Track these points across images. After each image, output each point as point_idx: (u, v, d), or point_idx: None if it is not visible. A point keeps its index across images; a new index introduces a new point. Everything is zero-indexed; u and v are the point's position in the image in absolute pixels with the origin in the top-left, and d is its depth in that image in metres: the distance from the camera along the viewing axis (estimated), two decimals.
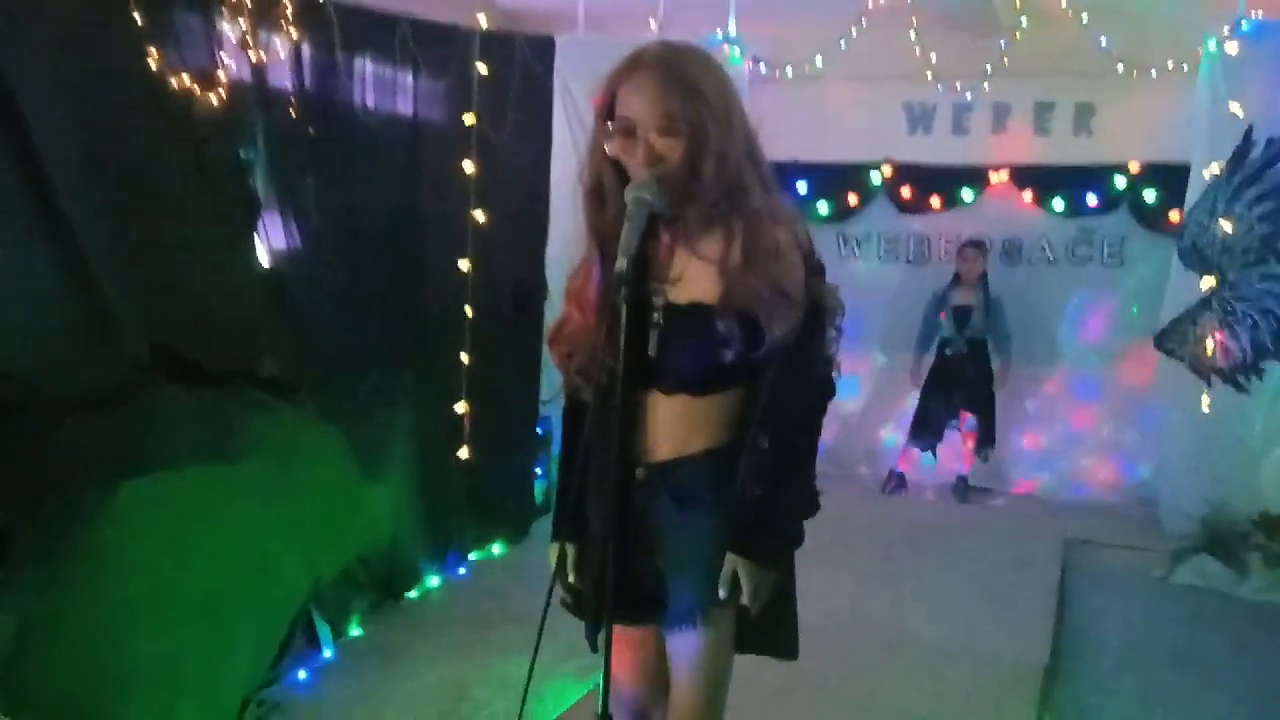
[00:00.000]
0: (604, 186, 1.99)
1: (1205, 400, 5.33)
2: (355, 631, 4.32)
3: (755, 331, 1.91)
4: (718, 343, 1.92)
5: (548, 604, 1.98)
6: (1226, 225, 5.21)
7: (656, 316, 1.98)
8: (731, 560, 1.99)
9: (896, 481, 6.81)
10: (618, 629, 1.96)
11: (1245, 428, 5.25)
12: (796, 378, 1.98)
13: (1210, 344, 5.30)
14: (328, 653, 4.07)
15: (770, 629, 2.12)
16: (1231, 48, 5.22)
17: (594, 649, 2.02)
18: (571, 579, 2.17)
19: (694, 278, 1.97)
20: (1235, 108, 5.19)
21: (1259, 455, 5.22)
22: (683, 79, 1.91)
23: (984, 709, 3.70)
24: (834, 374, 2.10)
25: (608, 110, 1.96)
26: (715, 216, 1.95)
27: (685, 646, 2.06)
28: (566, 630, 2.16)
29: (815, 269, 2.02)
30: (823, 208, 7.03)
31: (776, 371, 1.96)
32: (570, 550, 2.16)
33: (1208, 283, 5.30)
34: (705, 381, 1.99)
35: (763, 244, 1.93)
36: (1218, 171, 5.30)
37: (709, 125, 1.90)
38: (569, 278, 2.14)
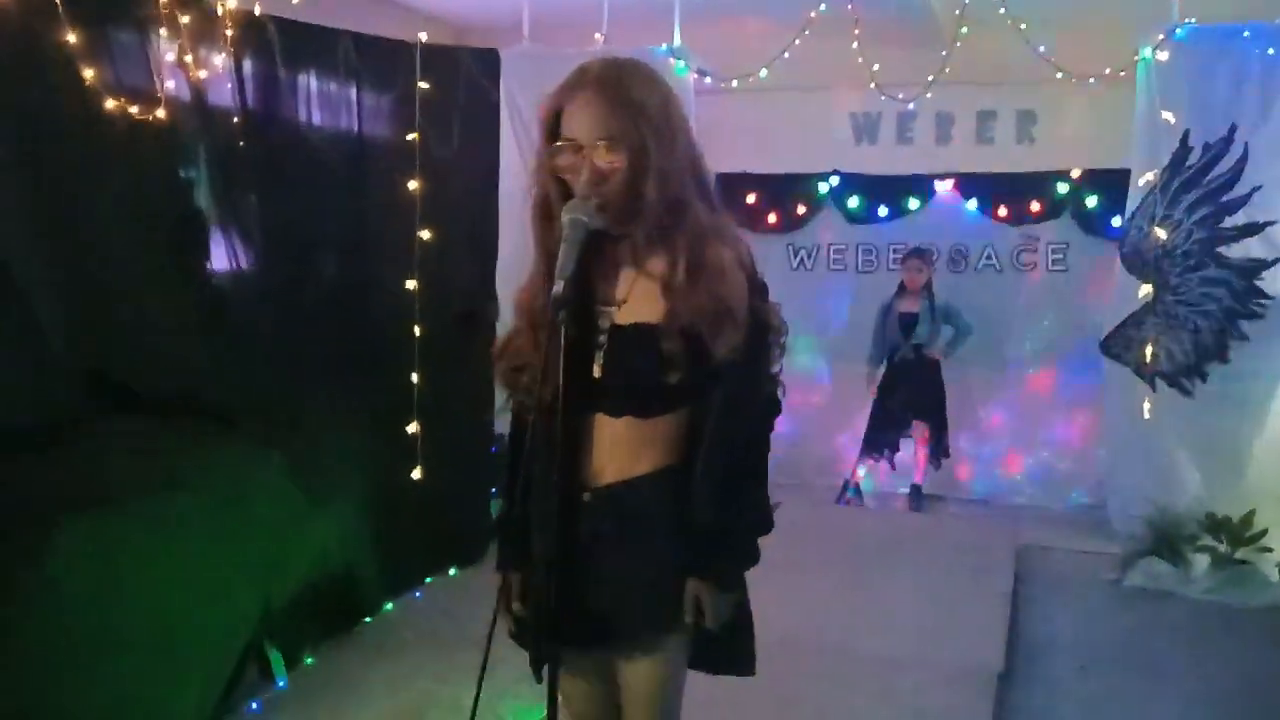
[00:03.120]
0: (550, 203, 1.96)
1: (1146, 405, 5.40)
2: (309, 660, 4.23)
3: (700, 351, 1.90)
4: (663, 364, 1.91)
5: (492, 630, 1.95)
6: (1161, 232, 5.29)
7: (602, 338, 1.96)
8: (693, 585, 1.97)
9: (851, 492, 6.84)
10: (568, 657, 1.95)
11: (1190, 430, 5.33)
12: (743, 398, 1.98)
13: (1154, 348, 5.38)
14: (281, 683, 3.99)
15: (728, 647, 2.10)
16: (1165, 54, 5.30)
17: (538, 680, 1.97)
18: (516, 607, 2.11)
19: (640, 297, 1.96)
20: (1167, 115, 5.27)
21: (1204, 457, 5.30)
22: (625, 97, 1.89)
23: (938, 718, 3.70)
24: (779, 393, 2.11)
25: (553, 127, 1.95)
26: (660, 235, 1.93)
27: (639, 673, 2.04)
28: (522, 651, 2.12)
29: (758, 289, 2.01)
30: (771, 218, 7.05)
31: (724, 392, 1.95)
32: (515, 578, 2.11)
33: (1149, 288, 5.38)
34: (651, 402, 1.96)
35: (707, 262, 1.92)
36: (1151, 179, 5.38)
37: (651, 143, 1.89)
38: (517, 292, 2.11)
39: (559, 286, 1.82)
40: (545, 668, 1.94)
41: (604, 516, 1.98)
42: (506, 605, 2.11)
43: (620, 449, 1.98)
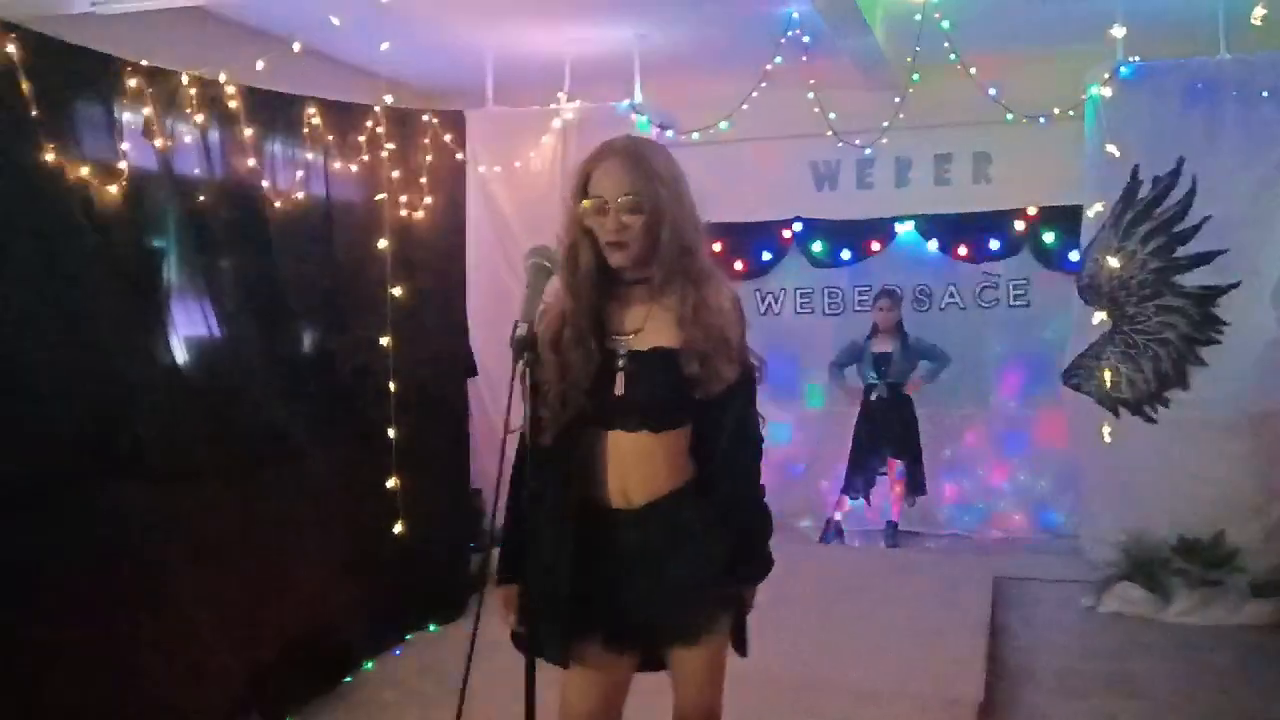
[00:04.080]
0: (578, 251, 2.31)
1: (1106, 430, 5.49)
2: None
3: (707, 376, 2.26)
4: (682, 380, 2.25)
5: (465, 687, 2.07)
6: (1114, 262, 5.41)
7: (622, 361, 2.29)
8: (741, 586, 2.41)
9: (833, 530, 6.88)
10: (592, 657, 2.31)
11: (1156, 456, 5.41)
12: (744, 423, 2.36)
13: (1115, 376, 5.48)
14: None
15: (740, 637, 2.46)
16: (1112, 92, 5.46)
17: (566, 665, 2.30)
18: (511, 620, 2.37)
19: (656, 327, 2.30)
20: (1112, 149, 5.42)
21: (1172, 482, 5.38)
22: (644, 164, 2.27)
23: None
24: (762, 425, 2.45)
25: (582, 189, 2.30)
26: (672, 276, 2.28)
27: (699, 658, 2.38)
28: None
29: (744, 330, 2.37)
30: (738, 265, 7.16)
31: (731, 420, 2.33)
32: (516, 590, 2.35)
33: (1104, 318, 5.49)
34: (666, 417, 2.30)
35: (709, 300, 2.29)
36: (1101, 209, 5.52)
37: (664, 201, 2.26)
38: (543, 319, 2.33)
39: (522, 328, 2.12)
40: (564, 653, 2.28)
41: (643, 528, 2.31)
42: (516, 613, 2.35)
43: (640, 465, 2.31)
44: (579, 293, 2.30)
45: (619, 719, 2.45)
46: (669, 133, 6.39)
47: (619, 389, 2.28)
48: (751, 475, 2.42)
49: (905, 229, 6.95)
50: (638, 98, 6.15)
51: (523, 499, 2.30)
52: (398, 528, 4.89)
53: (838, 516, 6.88)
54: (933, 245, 6.94)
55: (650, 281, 2.31)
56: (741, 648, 2.47)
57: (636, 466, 2.30)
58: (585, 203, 2.28)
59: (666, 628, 2.36)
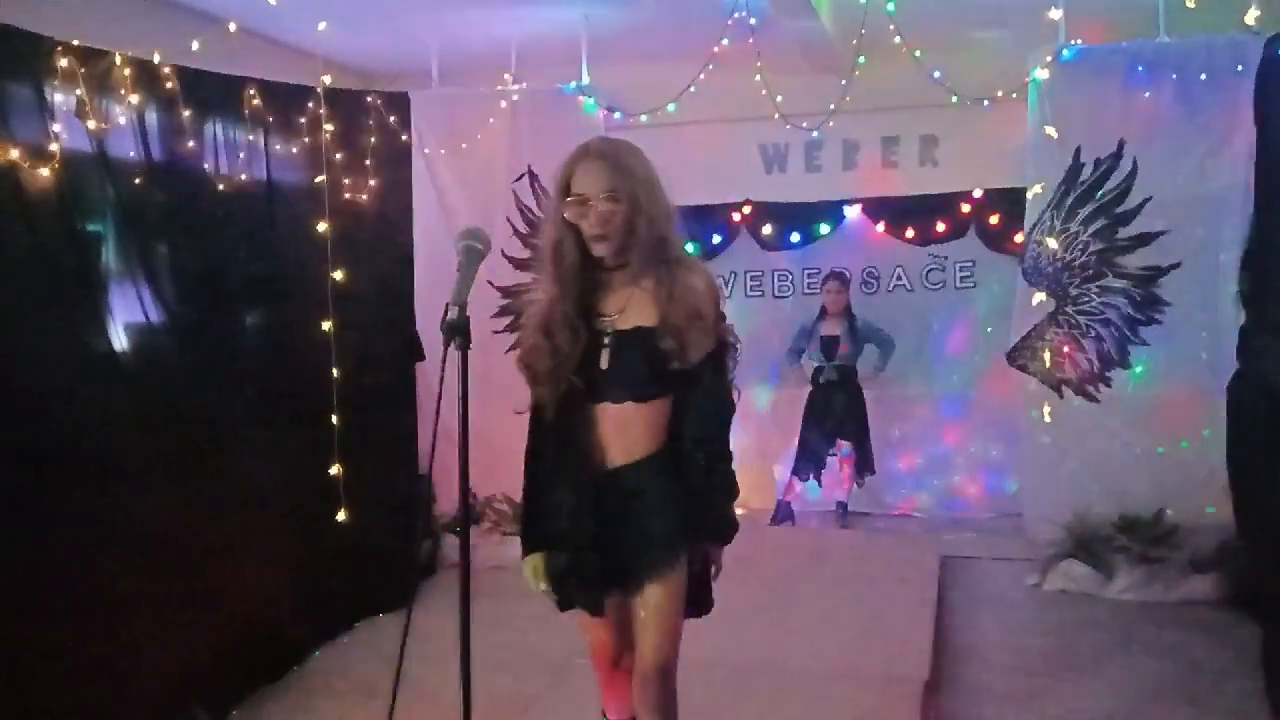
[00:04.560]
0: (563, 245, 2.58)
1: (1046, 410, 5.56)
2: (234, 713, 4.16)
3: (683, 348, 2.53)
4: (661, 354, 2.53)
5: (397, 678, 2.17)
6: (1052, 242, 5.48)
7: (607, 339, 2.57)
8: (708, 546, 2.73)
9: (784, 512, 6.91)
10: (612, 601, 2.65)
11: (1098, 435, 5.49)
12: (714, 396, 2.65)
13: (1058, 357, 5.54)
14: None
15: (705, 594, 2.78)
16: (1054, 75, 5.51)
17: (601, 613, 2.66)
18: (541, 586, 2.68)
19: (636, 308, 2.57)
20: (1051, 131, 5.48)
21: (1114, 461, 5.46)
22: (620, 162, 2.55)
23: None
24: (735, 395, 2.74)
25: (564, 188, 2.56)
26: (650, 262, 2.56)
27: (655, 598, 2.61)
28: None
29: (721, 312, 2.65)
30: (689, 249, 7.12)
31: (700, 391, 2.61)
32: (539, 560, 2.67)
33: (1046, 298, 5.55)
34: (647, 387, 2.58)
35: (683, 282, 2.56)
36: (1040, 191, 5.58)
37: (641, 195, 2.53)
38: (528, 309, 2.69)
39: (454, 312, 2.24)
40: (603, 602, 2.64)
41: (623, 487, 2.60)
42: (551, 581, 2.65)
43: (623, 433, 2.59)
44: (565, 281, 2.58)
45: (627, 635, 2.70)
46: (617, 115, 6.36)
47: (604, 364, 2.57)
48: (719, 441, 2.68)
49: (853, 211, 6.97)
50: (585, 79, 6.12)
51: (538, 473, 2.66)
52: (340, 515, 4.84)
53: (793, 495, 6.91)
54: (880, 228, 6.96)
55: (629, 268, 2.57)
56: (707, 604, 2.78)
57: (620, 433, 2.59)
58: (567, 200, 2.55)
59: (643, 567, 2.61)
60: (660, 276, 2.55)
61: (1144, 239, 5.39)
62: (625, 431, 2.60)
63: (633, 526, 2.61)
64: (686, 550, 2.66)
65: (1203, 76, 5.24)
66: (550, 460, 2.65)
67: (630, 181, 2.53)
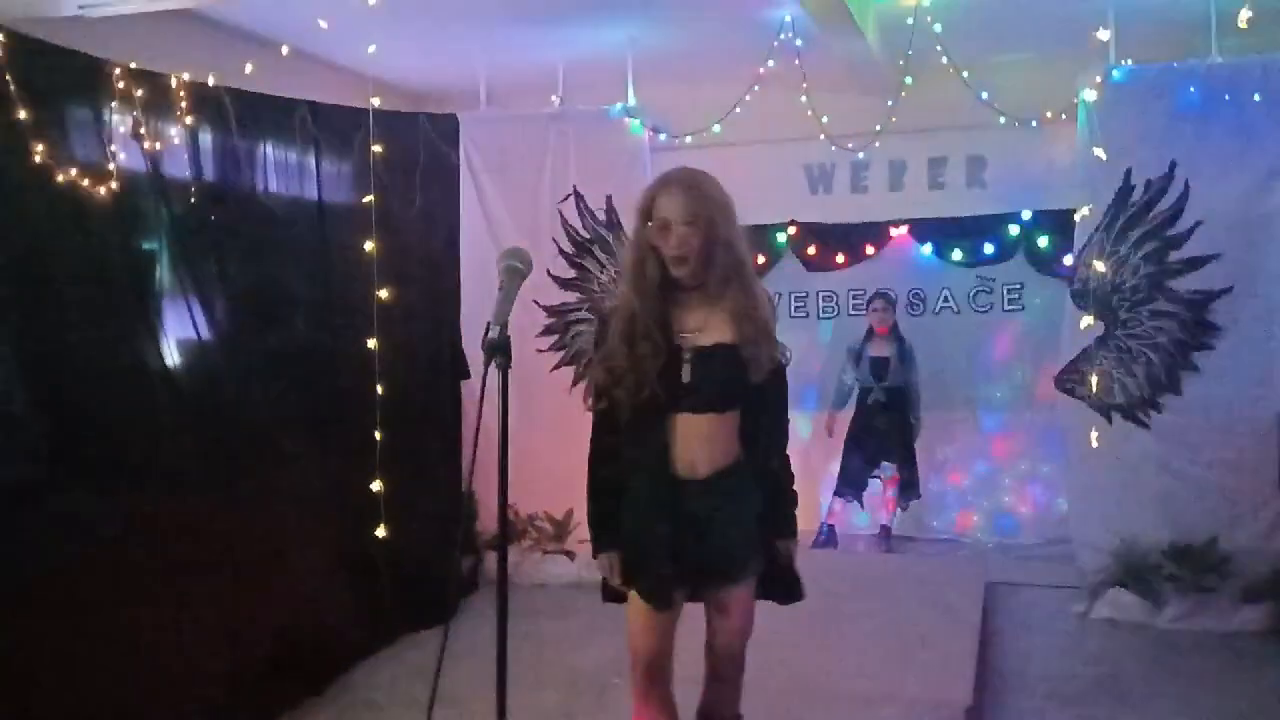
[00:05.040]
0: (645, 264, 2.77)
1: (1094, 435, 5.47)
2: None
3: (759, 363, 2.78)
4: (738, 369, 2.76)
5: (435, 683, 2.24)
6: (1101, 265, 5.40)
7: (688, 355, 2.77)
8: (781, 543, 3.02)
9: (827, 535, 6.85)
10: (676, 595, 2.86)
11: (1148, 461, 5.39)
12: (780, 405, 2.97)
13: (1108, 382, 5.46)
14: None
15: (794, 582, 3.10)
16: (1103, 95, 5.46)
17: (669, 605, 2.86)
18: (617, 581, 2.90)
19: (715, 326, 2.79)
20: (1100, 152, 5.41)
21: (1164, 487, 5.36)
22: (700, 191, 2.74)
23: None
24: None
25: (647, 213, 2.76)
26: (726, 283, 2.76)
27: (737, 595, 2.94)
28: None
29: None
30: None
31: (773, 405, 2.93)
32: (615, 557, 2.88)
33: (1095, 322, 5.48)
34: (726, 399, 2.81)
35: (757, 302, 2.80)
36: (1087, 213, 5.52)
37: (719, 221, 2.73)
38: (612, 318, 2.85)
39: (494, 331, 2.26)
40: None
41: (707, 496, 2.80)
42: (618, 578, 2.88)
43: (705, 442, 2.79)
44: (646, 298, 2.77)
45: (672, 642, 2.95)
46: (662, 136, 6.39)
47: (686, 377, 2.76)
48: (784, 450, 3.03)
49: (899, 232, 6.93)
50: (631, 101, 6.15)
51: (605, 476, 2.87)
52: (380, 531, 4.89)
53: (831, 521, 6.86)
54: (927, 249, 6.92)
55: (705, 288, 2.77)
56: (798, 591, 3.09)
57: (704, 443, 2.80)
58: (650, 224, 2.74)
59: (719, 571, 2.88)
60: (738, 296, 2.77)
61: (1195, 263, 5.30)
62: (710, 441, 2.80)
63: (717, 530, 2.82)
64: (766, 550, 2.96)
65: (1256, 98, 5.15)
66: (623, 463, 2.84)
67: (709, 208, 2.72)
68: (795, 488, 3.07)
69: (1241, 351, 5.24)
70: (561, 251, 6.17)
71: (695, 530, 2.81)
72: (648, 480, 2.81)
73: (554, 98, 6.18)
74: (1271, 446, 5.07)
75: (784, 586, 3.09)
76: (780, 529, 3.02)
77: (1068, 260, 5.93)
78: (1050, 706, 4.32)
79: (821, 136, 6.12)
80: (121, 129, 3.96)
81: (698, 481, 2.81)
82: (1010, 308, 6.85)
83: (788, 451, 3.09)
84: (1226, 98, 5.22)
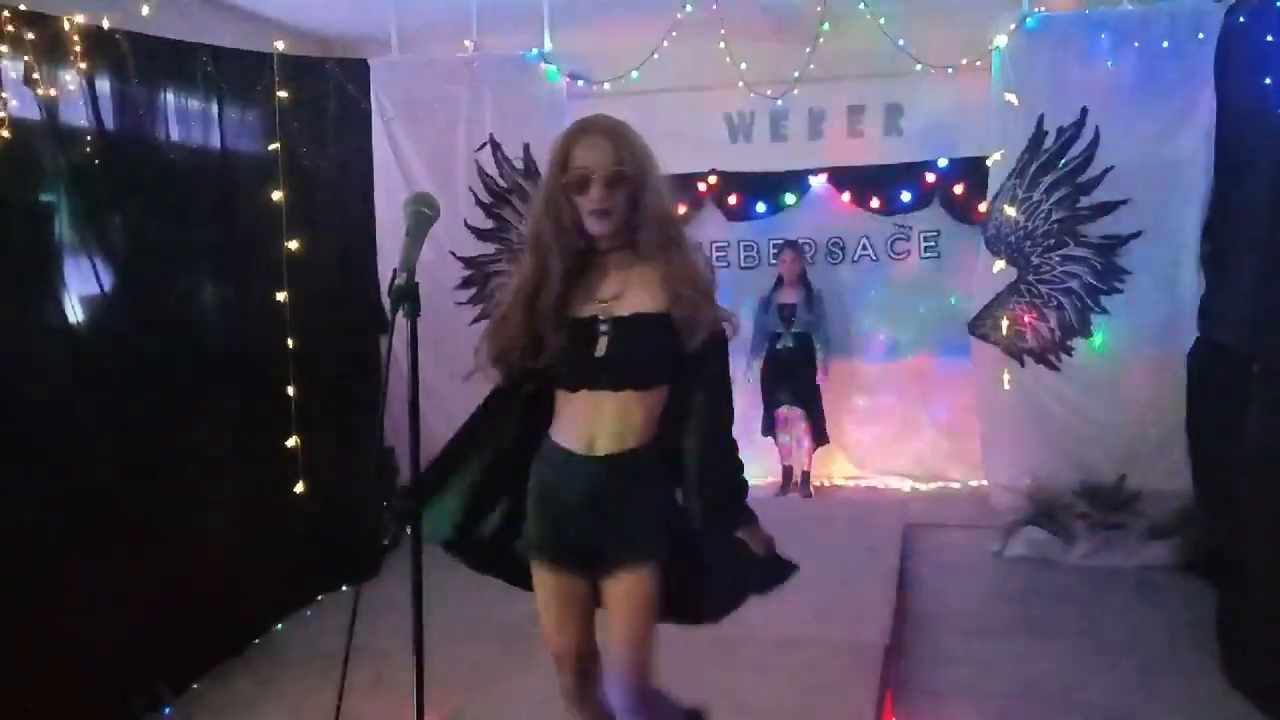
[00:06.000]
0: (556, 222, 2.44)
1: (1006, 378, 5.60)
2: (195, 686, 4.14)
3: (694, 329, 2.41)
4: (665, 340, 2.41)
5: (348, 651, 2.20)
6: (1014, 211, 5.49)
7: (604, 327, 2.42)
8: (741, 534, 2.65)
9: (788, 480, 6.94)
10: (564, 583, 2.53)
11: (1059, 403, 5.53)
12: (719, 379, 2.54)
13: (1019, 325, 5.57)
14: (167, 710, 3.89)
15: (773, 568, 2.78)
16: (1016, 42, 5.51)
17: (556, 560, 2.53)
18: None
19: (635, 292, 2.44)
20: (1013, 98, 5.48)
21: (1075, 429, 5.50)
22: (624, 139, 2.41)
23: (826, 690, 3.79)
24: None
25: (562, 164, 2.43)
26: (655, 240, 2.43)
27: (621, 595, 2.48)
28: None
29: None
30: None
31: (710, 378, 2.50)
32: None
33: (1007, 267, 5.57)
34: (650, 375, 2.45)
35: (690, 261, 2.47)
36: (999, 158, 5.59)
37: (648, 171, 2.42)
38: (514, 280, 2.55)
39: (403, 277, 2.12)
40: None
41: (613, 474, 2.46)
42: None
43: (618, 421, 2.44)
44: (555, 261, 2.44)
45: (591, 638, 2.60)
46: (580, 82, 6.29)
47: (601, 350, 2.42)
48: (727, 430, 2.57)
49: (819, 181, 6.94)
50: (547, 46, 6.04)
51: (481, 437, 2.60)
52: (298, 487, 4.80)
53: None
54: (845, 197, 6.95)
55: (630, 249, 2.46)
56: (784, 571, 2.79)
57: (612, 421, 2.45)
58: (569, 173, 2.41)
59: (607, 554, 2.48)
60: (668, 255, 2.43)
61: (1106, 208, 5.41)
62: (620, 420, 2.45)
63: (603, 512, 2.47)
64: (732, 546, 2.65)
65: (1165, 44, 5.25)
66: (506, 434, 2.57)
67: (636, 157, 2.41)
68: (741, 472, 2.63)
69: (1151, 294, 5.38)
70: (479, 202, 6.08)
71: (582, 509, 2.48)
72: (544, 454, 2.52)
73: (468, 42, 6.04)
74: (1179, 388, 5.21)
75: (768, 570, 2.80)
76: (732, 519, 2.65)
77: (982, 207, 6.00)
78: (966, 643, 4.44)
79: (740, 84, 6.08)
80: (13, 74, 3.76)
81: (594, 459, 2.46)
82: (927, 255, 6.93)
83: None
84: (1136, 45, 5.31)
